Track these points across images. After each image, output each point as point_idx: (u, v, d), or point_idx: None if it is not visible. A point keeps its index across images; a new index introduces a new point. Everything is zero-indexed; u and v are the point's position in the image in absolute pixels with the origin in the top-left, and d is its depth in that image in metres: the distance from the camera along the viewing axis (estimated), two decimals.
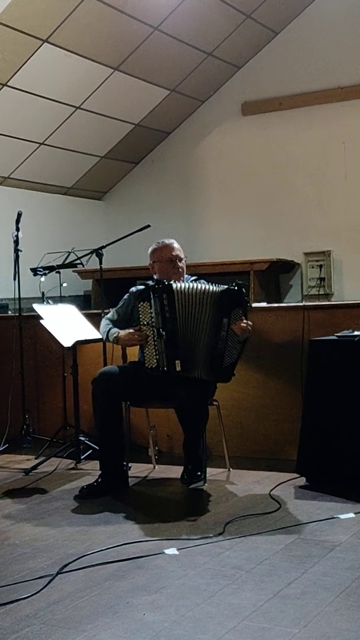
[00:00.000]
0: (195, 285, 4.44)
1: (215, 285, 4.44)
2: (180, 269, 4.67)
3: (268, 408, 5.25)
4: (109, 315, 4.81)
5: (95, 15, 6.41)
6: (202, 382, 4.42)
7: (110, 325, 4.71)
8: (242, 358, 4.56)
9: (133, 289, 4.80)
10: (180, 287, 4.40)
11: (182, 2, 6.77)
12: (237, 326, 4.33)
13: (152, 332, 4.41)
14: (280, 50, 7.95)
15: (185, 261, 4.76)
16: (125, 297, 4.81)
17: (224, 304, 4.34)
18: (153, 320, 4.38)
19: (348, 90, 7.65)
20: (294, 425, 4.91)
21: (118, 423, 4.56)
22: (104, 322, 4.79)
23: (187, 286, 4.41)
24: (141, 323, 4.45)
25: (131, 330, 4.55)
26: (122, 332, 4.59)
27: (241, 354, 4.49)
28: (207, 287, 4.42)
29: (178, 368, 4.35)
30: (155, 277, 4.69)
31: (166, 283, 4.41)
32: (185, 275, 4.74)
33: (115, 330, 4.65)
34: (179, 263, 4.68)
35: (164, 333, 4.35)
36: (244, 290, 4.42)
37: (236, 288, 4.36)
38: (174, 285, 4.39)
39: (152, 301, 4.38)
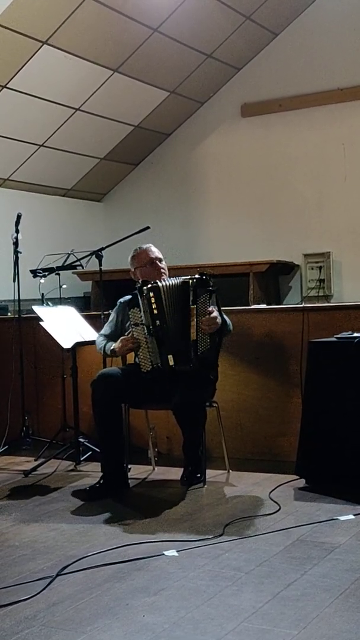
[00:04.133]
0: (175, 281, 4.57)
1: (183, 277, 4.58)
2: (162, 270, 4.75)
3: (267, 410, 5.25)
4: (102, 331, 4.87)
5: (94, 17, 6.41)
6: (198, 383, 4.43)
7: (105, 341, 4.78)
8: (222, 349, 4.65)
9: (121, 299, 4.84)
10: (165, 284, 4.55)
11: (182, 3, 6.78)
12: (202, 323, 4.43)
13: (143, 332, 4.49)
14: (279, 52, 7.95)
15: (165, 263, 4.86)
16: (115, 308, 4.87)
17: (190, 291, 4.49)
18: (143, 320, 4.49)
19: (348, 91, 7.65)
20: (293, 427, 4.91)
21: (118, 424, 4.56)
22: (98, 339, 4.85)
23: (170, 283, 4.56)
24: (132, 323, 4.56)
25: (122, 337, 4.62)
26: (116, 343, 4.65)
27: (218, 345, 4.55)
28: (180, 279, 4.56)
29: (171, 362, 4.44)
30: (139, 282, 4.71)
31: (152, 283, 4.55)
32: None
33: (110, 343, 4.72)
34: (159, 264, 4.77)
35: (153, 330, 4.47)
36: (206, 277, 4.54)
37: (202, 277, 4.52)
38: (160, 284, 4.53)
39: (140, 301, 4.50)
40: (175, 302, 4.52)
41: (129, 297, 4.69)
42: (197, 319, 4.45)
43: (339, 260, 7.73)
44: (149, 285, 4.52)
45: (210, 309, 4.46)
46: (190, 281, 4.51)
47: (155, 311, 4.48)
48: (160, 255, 4.81)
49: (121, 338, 4.64)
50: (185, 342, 4.46)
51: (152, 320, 4.48)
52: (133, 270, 4.84)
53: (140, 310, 4.51)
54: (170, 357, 4.45)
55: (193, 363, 4.45)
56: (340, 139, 7.71)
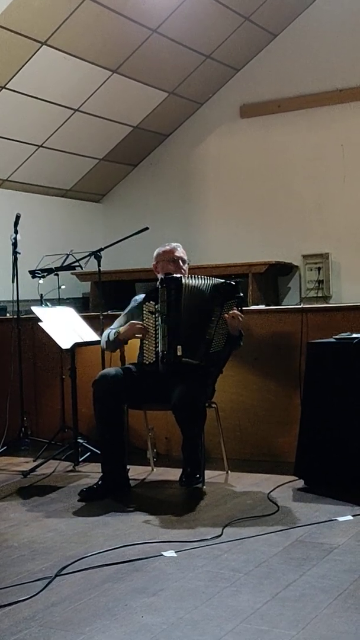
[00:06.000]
0: (199, 280, 4.63)
1: (214, 279, 4.65)
2: (182, 270, 4.75)
3: (266, 411, 5.25)
4: (113, 326, 4.85)
5: (93, 18, 6.41)
6: (198, 383, 4.44)
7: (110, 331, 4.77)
8: (233, 353, 4.72)
9: (137, 297, 4.86)
10: (189, 281, 4.60)
11: (181, 4, 6.78)
12: (228, 315, 4.48)
13: (155, 321, 4.52)
14: (278, 53, 7.95)
15: (189, 265, 4.87)
16: (129, 306, 4.86)
17: (218, 295, 4.55)
18: (158, 308, 4.51)
19: (346, 92, 7.65)
20: (292, 428, 4.91)
21: (119, 424, 4.56)
22: (106, 332, 4.83)
23: (193, 281, 4.62)
24: (145, 311, 4.58)
25: (133, 321, 4.63)
26: (123, 327, 4.66)
27: (232, 348, 4.62)
28: (208, 280, 4.63)
29: (179, 353, 4.47)
30: (159, 276, 4.74)
31: (175, 276, 4.60)
32: None
33: (115, 330, 4.72)
34: (181, 264, 4.78)
35: (167, 318, 4.50)
36: (238, 285, 4.63)
37: (232, 283, 4.60)
38: (183, 279, 4.59)
39: (160, 292, 4.54)
40: (198, 300, 4.55)
41: (143, 295, 4.73)
42: (218, 322, 4.48)
43: (337, 261, 7.73)
44: (173, 278, 4.57)
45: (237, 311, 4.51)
46: (222, 284, 4.58)
47: (173, 303, 4.52)
48: (185, 257, 4.83)
49: (132, 322, 4.65)
50: (200, 338, 4.49)
51: (169, 310, 4.51)
52: (155, 263, 4.85)
53: (157, 302, 4.54)
54: (179, 347, 4.47)
55: (201, 359, 4.47)
56: (339, 140, 7.71)
